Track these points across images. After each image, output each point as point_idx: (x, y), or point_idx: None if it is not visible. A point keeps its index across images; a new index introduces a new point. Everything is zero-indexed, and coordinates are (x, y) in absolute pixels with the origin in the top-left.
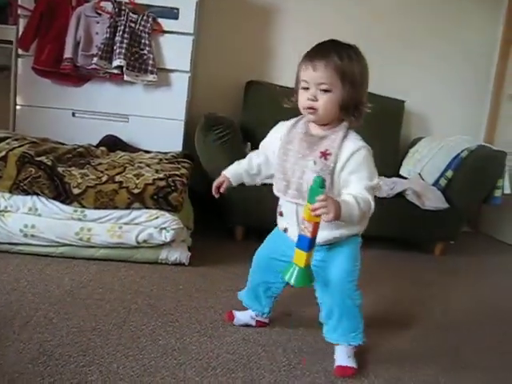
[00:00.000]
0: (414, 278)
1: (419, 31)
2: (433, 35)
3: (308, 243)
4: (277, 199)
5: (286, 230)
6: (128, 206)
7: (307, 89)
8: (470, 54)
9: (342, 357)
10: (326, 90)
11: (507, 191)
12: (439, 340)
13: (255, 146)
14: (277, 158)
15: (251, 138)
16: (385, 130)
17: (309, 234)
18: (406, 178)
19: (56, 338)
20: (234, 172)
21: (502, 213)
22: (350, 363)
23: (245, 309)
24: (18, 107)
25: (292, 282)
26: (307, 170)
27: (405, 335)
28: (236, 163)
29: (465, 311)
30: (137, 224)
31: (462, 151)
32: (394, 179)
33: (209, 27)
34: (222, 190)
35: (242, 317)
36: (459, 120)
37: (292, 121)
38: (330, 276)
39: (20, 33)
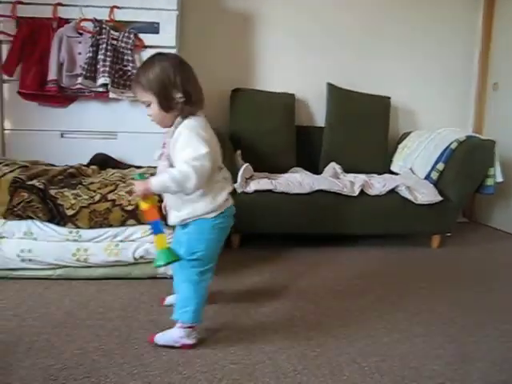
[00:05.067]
0: (410, 273)
1: (402, 30)
2: (414, 32)
3: (153, 227)
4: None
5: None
6: (123, 224)
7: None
8: (452, 47)
9: (170, 331)
10: (148, 104)
11: (499, 179)
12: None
13: (245, 153)
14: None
15: (241, 145)
16: (373, 127)
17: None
18: (397, 174)
19: (60, 362)
20: None
21: (496, 201)
22: (176, 339)
23: None
24: (5, 132)
25: (157, 263)
26: None
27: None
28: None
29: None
30: (133, 240)
31: (451, 143)
32: (386, 176)
33: (190, 39)
34: None
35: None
36: (446, 112)
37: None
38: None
39: (3, 59)
